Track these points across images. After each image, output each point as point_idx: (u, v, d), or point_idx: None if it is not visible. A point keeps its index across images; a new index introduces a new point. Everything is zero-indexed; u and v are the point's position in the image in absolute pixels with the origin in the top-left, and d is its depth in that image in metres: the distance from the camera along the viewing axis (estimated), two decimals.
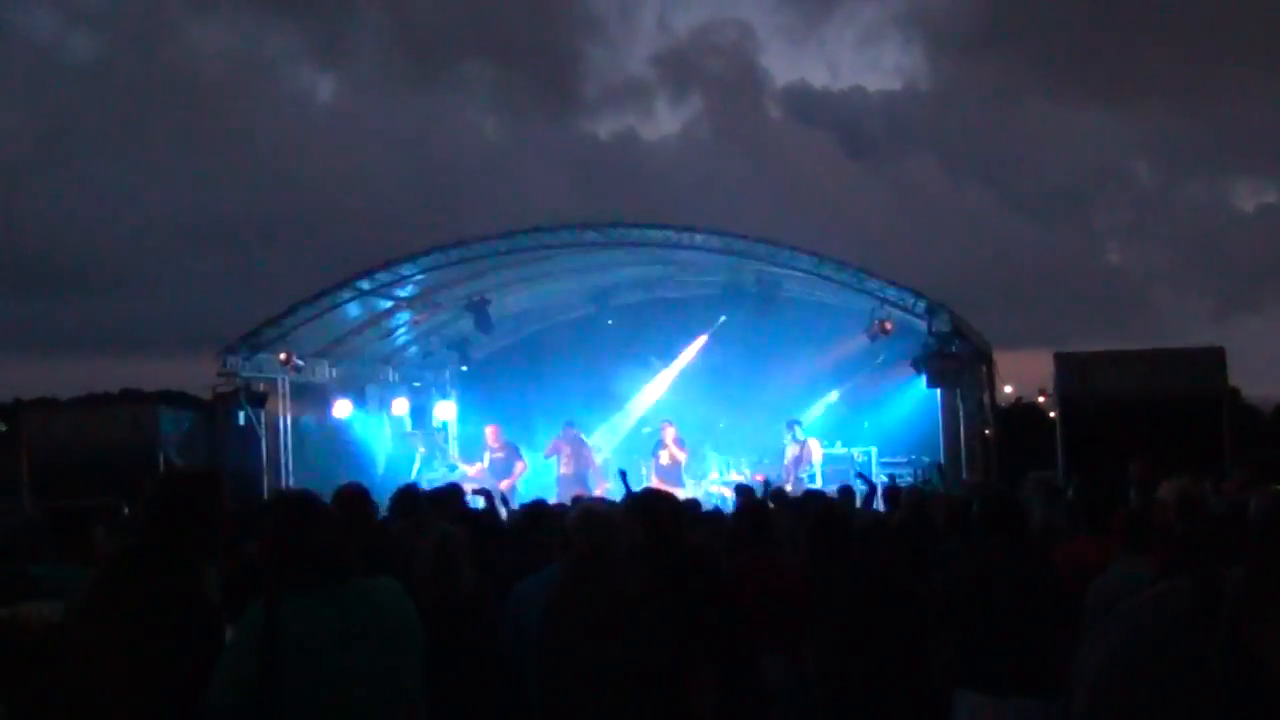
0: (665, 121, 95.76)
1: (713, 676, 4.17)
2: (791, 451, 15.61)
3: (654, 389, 18.18)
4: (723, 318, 16.87)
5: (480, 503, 8.75)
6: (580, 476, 15.53)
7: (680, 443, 15.78)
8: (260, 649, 2.82)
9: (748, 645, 4.68)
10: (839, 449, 16.27)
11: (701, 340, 17.86)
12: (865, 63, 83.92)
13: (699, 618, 4.17)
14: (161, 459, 13.76)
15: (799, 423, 15.94)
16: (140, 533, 3.34)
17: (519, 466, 15.84)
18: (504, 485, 15.10)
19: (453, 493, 7.79)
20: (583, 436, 16.54)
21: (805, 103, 73.21)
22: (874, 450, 16.32)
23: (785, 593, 5.35)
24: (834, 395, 17.12)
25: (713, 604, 4.41)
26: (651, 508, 4.65)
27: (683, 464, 15.79)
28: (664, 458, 15.72)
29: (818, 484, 14.29)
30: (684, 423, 16.45)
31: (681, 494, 12.25)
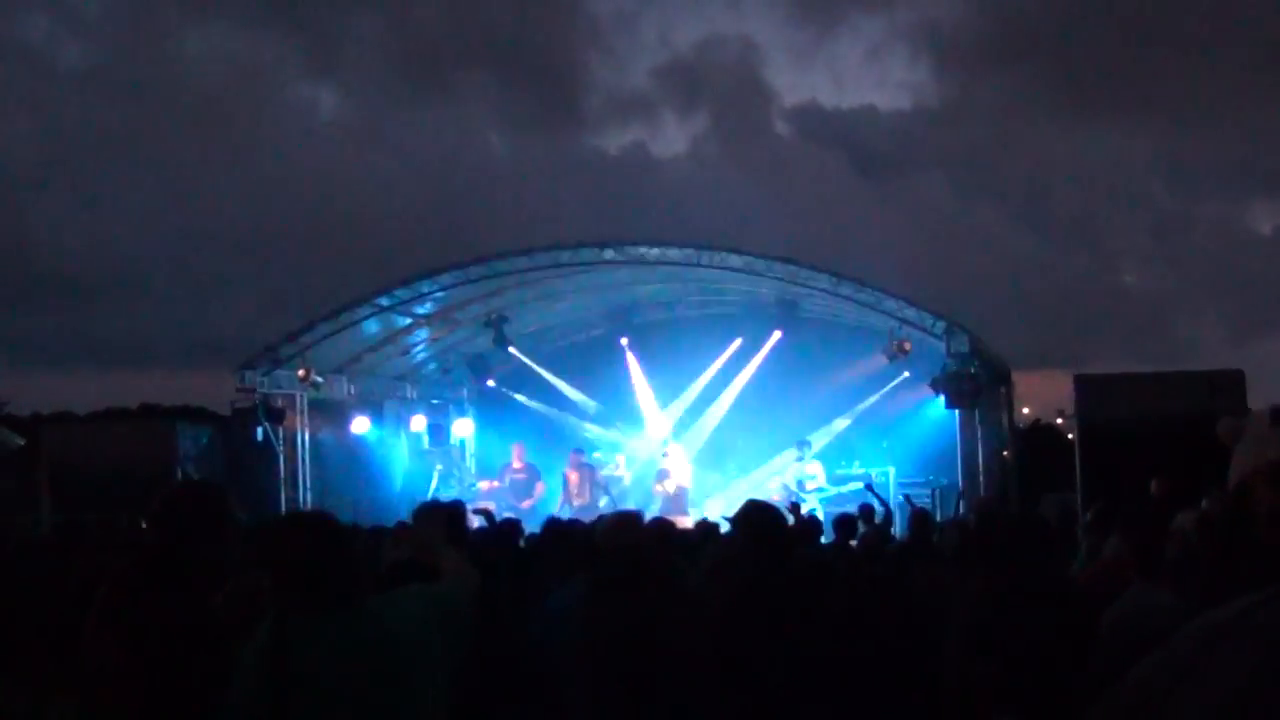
0: (674, 138, 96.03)
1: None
2: (797, 471, 15.55)
3: (673, 410, 17.83)
4: (738, 340, 16.66)
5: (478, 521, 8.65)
6: (592, 507, 14.75)
7: (684, 467, 15.52)
8: (268, 672, 2.78)
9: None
10: (856, 469, 16.18)
11: (712, 370, 17.36)
12: (872, 80, 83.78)
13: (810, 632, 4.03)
14: (179, 474, 13.81)
15: (808, 443, 15.88)
16: (146, 546, 3.34)
17: (539, 488, 15.78)
18: (525, 505, 15.07)
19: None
20: (589, 462, 16.37)
21: (814, 121, 73.23)
22: (891, 471, 16.23)
23: None
24: (849, 417, 16.97)
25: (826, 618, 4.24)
26: (755, 518, 4.49)
27: (689, 490, 15.60)
28: (670, 487, 15.47)
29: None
30: (701, 443, 16.34)
31: (686, 521, 12.13)
